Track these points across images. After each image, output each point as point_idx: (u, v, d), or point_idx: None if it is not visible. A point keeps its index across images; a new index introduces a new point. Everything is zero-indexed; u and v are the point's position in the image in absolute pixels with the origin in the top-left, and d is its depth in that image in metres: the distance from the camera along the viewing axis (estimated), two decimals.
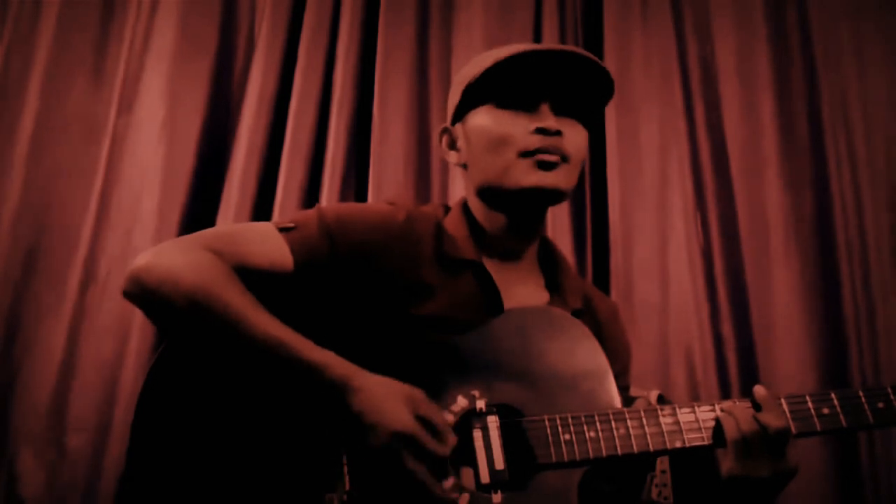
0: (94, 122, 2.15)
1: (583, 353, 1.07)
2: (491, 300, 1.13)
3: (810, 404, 1.03)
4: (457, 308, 1.10)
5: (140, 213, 2.05)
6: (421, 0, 2.25)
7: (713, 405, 1.03)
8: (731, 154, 2.07)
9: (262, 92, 2.13)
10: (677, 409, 1.03)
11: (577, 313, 1.17)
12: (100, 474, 1.84)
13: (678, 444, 1.01)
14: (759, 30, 2.14)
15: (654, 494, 1.27)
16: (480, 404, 1.01)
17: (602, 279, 2.01)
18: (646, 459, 1.16)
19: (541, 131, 1.11)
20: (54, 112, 2.13)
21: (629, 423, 1.01)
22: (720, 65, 2.14)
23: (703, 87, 2.13)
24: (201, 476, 0.97)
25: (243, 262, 1.04)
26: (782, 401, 1.03)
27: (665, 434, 1.01)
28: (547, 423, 1.01)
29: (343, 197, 2.05)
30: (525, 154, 1.11)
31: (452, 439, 0.95)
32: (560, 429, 1.01)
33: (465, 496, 0.96)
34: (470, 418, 1.01)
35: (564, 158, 1.12)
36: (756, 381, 1.78)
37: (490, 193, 1.16)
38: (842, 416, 1.02)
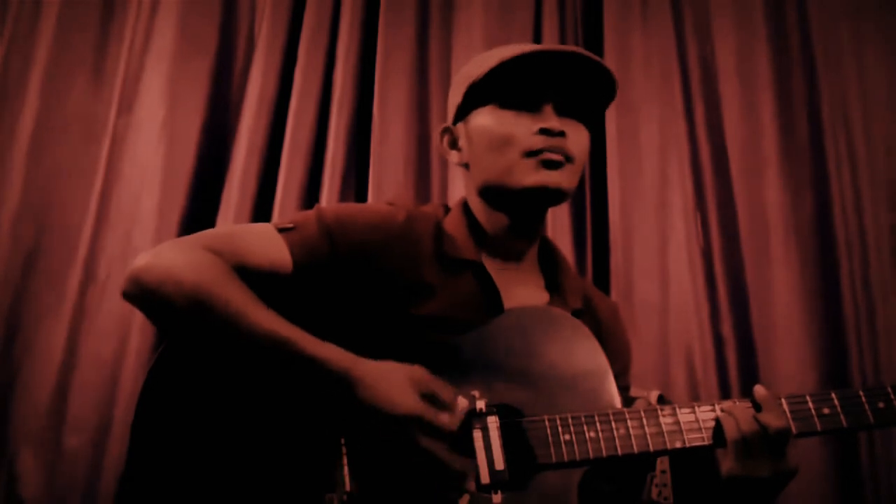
0: (94, 122, 2.15)
1: (583, 353, 1.07)
2: (491, 300, 1.13)
3: (811, 404, 1.03)
4: (457, 308, 1.10)
5: (140, 214, 2.05)
6: (421, 0, 2.25)
7: (713, 405, 1.03)
8: (731, 154, 2.07)
9: (262, 92, 2.13)
10: (677, 410, 1.03)
11: (577, 313, 1.17)
12: (99, 474, 1.84)
13: (678, 445, 1.01)
14: (759, 30, 2.14)
15: (654, 494, 1.27)
16: (480, 404, 1.02)
17: (602, 279, 2.01)
18: (646, 459, 1.16)
19: (544, 132, 1.10)
20: (54, 112, 2.13)
21: (629, 423, 1.01)
22: (720, 65, 2.14)
23: (703, 87, 2.13)
24: (201, 476, 0.97)
25: (243, 262, 1.04)
26: (783, 401, 1.03)
27: (665, 434, 1.01)
28: (547, 423, 1.01)
29: (343, 197, 2.05)
30: (529, 154, 1.11)
31: (462, 405, 0.97)
32: (560, 429, 1.01)
33: (465, 496, 0.96)
34: (470, 418, 1.01)
35: (568, 159, 1.12)
36: (756, 381, 1.78)
37: (492, 193, 1.16)
38: (842, 416, 1.02)
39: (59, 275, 2.01)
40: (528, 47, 1.12)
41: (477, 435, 1.00)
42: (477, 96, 1.16)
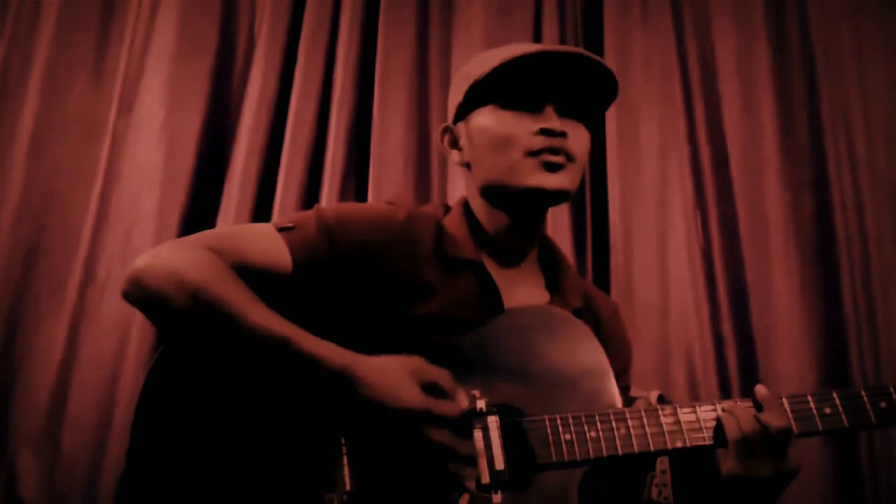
0: (94, 122, 2.15)
1: (583, 353, 1.07)
2: (491, 300, 1.13)
3: (812, 404, 1.02)
4: (457, 308, 1.10)
5: (140, 213, 2.05)
6: (421, 0, 2.25)
7: (714, 405, 1.03)
8: (731, 154, 2.07)
9: (262, 92, 2.13)
10: (678, 409, 1.03)
11: (577, 313, 1.17)
12: (99, 474, 1.84)
13: (679, 444, 1.01)
14: (759, 30, 2.14)
15: (654, 494, 1.27)
16: (481, 404, 1.01)
17: (602, 279, 2.01)
18: (646, 459, 1.16)
19: (545, 132, 1.10)
20: (54, 112, 2.13)
21: (630, 422, 1.01)
22: (720, 65, 2.14)
23: (703, 87, 2.13)
24: (201, 476, 0.97)
25: (243, 261, 1.04)
26: (784, 400, 1.02)
27: (666, 434, 1.01)
28: (547, 422, 1.01)
29: (343, 197, 2.05)
30: (530, 154, 1.11)
31: (463, 395, 0.98)
32: (560, 429, 1.00)
33: (466, 496, 0.96)
34: (470, 418, 1.01)
35: (570, 159, 1.12)
36: (756, 380, 1.76)
37: (494, 192, 1.16)
38: (844, 416, 1.02)
39: (59, 275, 2.01)
40: (530, 47, 1.12)
41: (477, 434, 1.00)
42: (478, 96, 1.16)
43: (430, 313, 1.08)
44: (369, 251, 1.09)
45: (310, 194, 2.06)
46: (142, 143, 2.11)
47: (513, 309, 1.12)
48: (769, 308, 1.94)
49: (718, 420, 1.01)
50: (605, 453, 0.99)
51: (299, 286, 1.07)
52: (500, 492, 0.97)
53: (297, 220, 1.11)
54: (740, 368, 1.90)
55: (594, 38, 2.21)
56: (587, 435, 1.00)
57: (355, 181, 2.11)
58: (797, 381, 1.85)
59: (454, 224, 1.19)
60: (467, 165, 1.21)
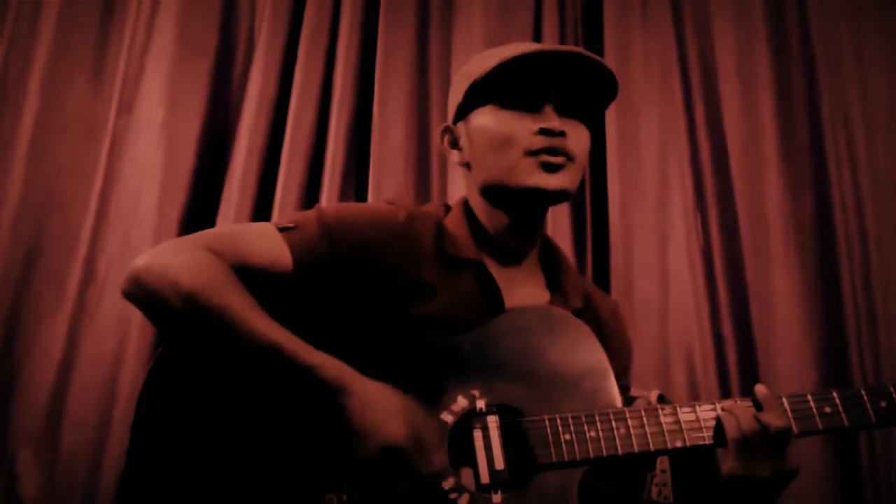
0: (94, 122, 2.15)
1: (583, 353, 1.07)
2: (492, 299, 1.12)
3: (812, 403, 1.02)
4: (457, 307, 1.10)
5: (140, 213, 2.05)
6: (421, 0, 2.25)
7: (714, 404, 1.03)
8: (731, 154, 2.07)
9: (262, 92, 2.13)
10: (678, 409, 1.03)
11: (577, 312, 1.17)
12: (99, 474, 1.83)
13: (679, 444, 1.01)
14: (759, 30, 2.14)
15: (654, 494, 1.26)
16: (480, 404, 1.01)
17: (602, 279, 2.01)
18: (646, 459, 1.16)
19: (545, 132, 1.10)
20: (54, 112, 2.13)
21: (630, 422, 1.01)
22: (720, 65, 2.14)
23: (703, 87, 2.13)
24: (201, 476, 0.97)
25: (243, 261, 1.04)
26: (784, 400, 1.02)
27: (666, 433, 1.01)
28: (547, 422, 1.01)
29: (343, 197, 2.05)
30: (530, 154, 1.11)
31: (441, 457, 0.96)
32: (560, 428, 1.00)
33: (465, 496, 0.96)
34: (470, 418, 1.00)
35: (570, 158, 1.12)
36: (756, 380, 1.77)
37: (494, 192, 1.16)
38: (844, 416, 1.02)
39: (59, 274, 2.01)
40: (530, 47, 1.12)
41: (477, 434, 1.00)
42: (477, 96, 1.16)
43: (430, 313, 1.08)
44: (370, 251, 1.09)
45: (310, 194, 2.06)
46: (142, 143, 2.11)
47: (513, 309, 1.12)
48: (769, 308, 1.94)
49: (718, 420, 1.01)
50: (604, 453, 0.99)
51: (300, 286, 1.07)
52: (499, 492, 0.97)
53: (298, 220, 1.11)
54: (740, 368, 1.90)
55: (594, 38, 2.21)
56: (587, 435, 1.00)
57: (355, 181, 2.11)
58: (797, 380, 1.85)
59: (454, 224, 1.19)
60: (467, 165, 1.21)
